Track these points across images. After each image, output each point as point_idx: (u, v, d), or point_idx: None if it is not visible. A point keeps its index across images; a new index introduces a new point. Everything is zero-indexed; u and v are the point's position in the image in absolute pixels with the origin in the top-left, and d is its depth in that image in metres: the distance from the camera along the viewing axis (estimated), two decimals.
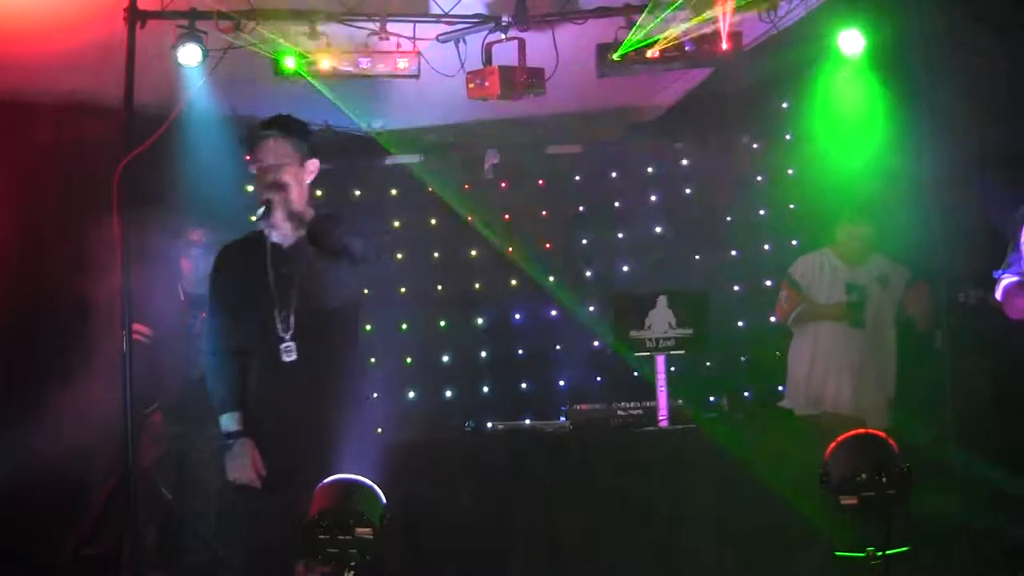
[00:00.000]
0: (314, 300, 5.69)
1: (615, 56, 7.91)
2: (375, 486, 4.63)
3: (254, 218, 5.65)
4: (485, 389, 10.56)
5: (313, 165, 5.90)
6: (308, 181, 5.91)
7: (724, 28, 7.80)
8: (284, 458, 5.67)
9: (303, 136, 5.91)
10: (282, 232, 5.66)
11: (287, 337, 5.67)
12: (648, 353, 7.55)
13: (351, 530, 4.36)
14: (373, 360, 10.44)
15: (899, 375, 8.36)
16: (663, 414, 7.39)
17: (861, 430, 4.91)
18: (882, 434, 4.85)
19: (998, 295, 5.43)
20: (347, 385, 5.82)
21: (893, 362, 8.40)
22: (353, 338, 5.96)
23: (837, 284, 8.50)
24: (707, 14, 7.72)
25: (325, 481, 4.73)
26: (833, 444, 4.86)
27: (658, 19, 7.73)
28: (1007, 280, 5.40)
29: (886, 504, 4.58)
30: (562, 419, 7.67)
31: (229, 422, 5.78)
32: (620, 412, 7.53)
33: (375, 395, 10.34)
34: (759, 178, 10.50)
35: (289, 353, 5.66)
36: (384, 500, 4.62)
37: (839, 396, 8.31)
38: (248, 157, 5.88)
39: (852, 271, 8.53)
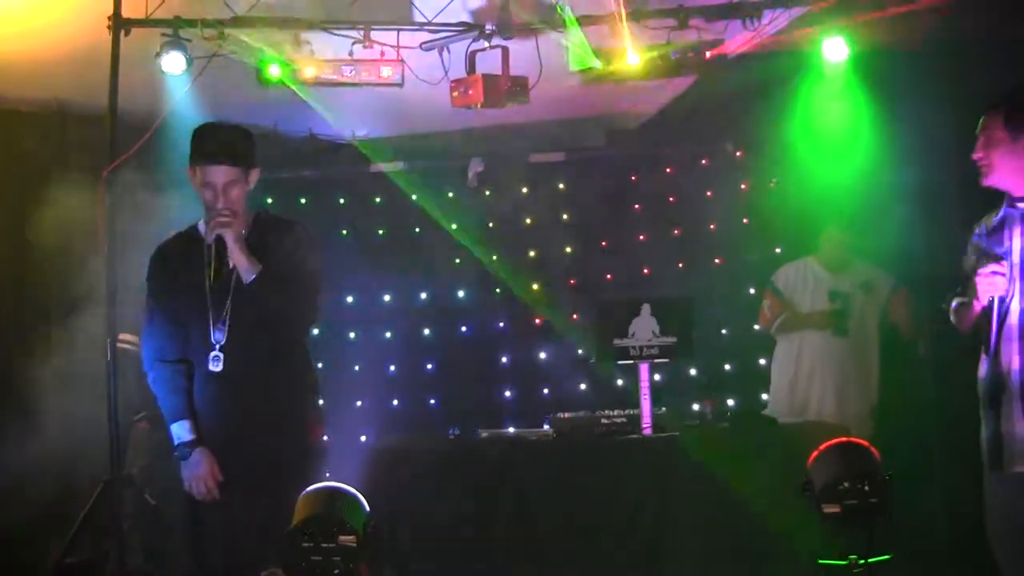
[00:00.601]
0: (251, 309, 5.59)
1: (598, 64, 7.93)
2: (358, 494, 4.62)
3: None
4: (469, 397, 10.56)
5: (256, 174, 5.78)
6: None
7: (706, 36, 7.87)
8: (224, 470, 5.62)
9: (251, 152, 5.78)
10: (241, 268, 5.54)
11: (216, 347, 5.56)
12: (632, 361, 7.54)
13: (335, 538, 4.35)
14: (357, 368, 10.48)
15: (883, 383, 8.38)
16: (647, 422, 7.38)
17: (843, 438, 4.92)
18: (864, 443, 4.87)
19: (951, 317, 5.48)
20: (282, 395, 5.68)
21: (876, 369, 8.42)
22: (291, 350, 5.81)
23: (820, 292, 8.53)
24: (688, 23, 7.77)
25: (309, 489, 4.72)
26: (815, 452, 4.87)
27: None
28: (955, 302, 5.46)
29: (868, 512, 4.60)
30: (546, 427, 7.66)
31: (181, 431, 5.67)
32: (604, 420, 7.52)
33: (360, 403, 10.38)
34: (742, 186, 10.51)
35: (216, 363, 5.56)
36: (367, 508, 4.62)
37: (823, 404, 8.33)
38: (191, 170, 5.73)
39: (835, 278, 8.55)
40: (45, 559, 7.40)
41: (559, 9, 7.70)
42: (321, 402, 6.15)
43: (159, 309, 5.72)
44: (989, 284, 5.13)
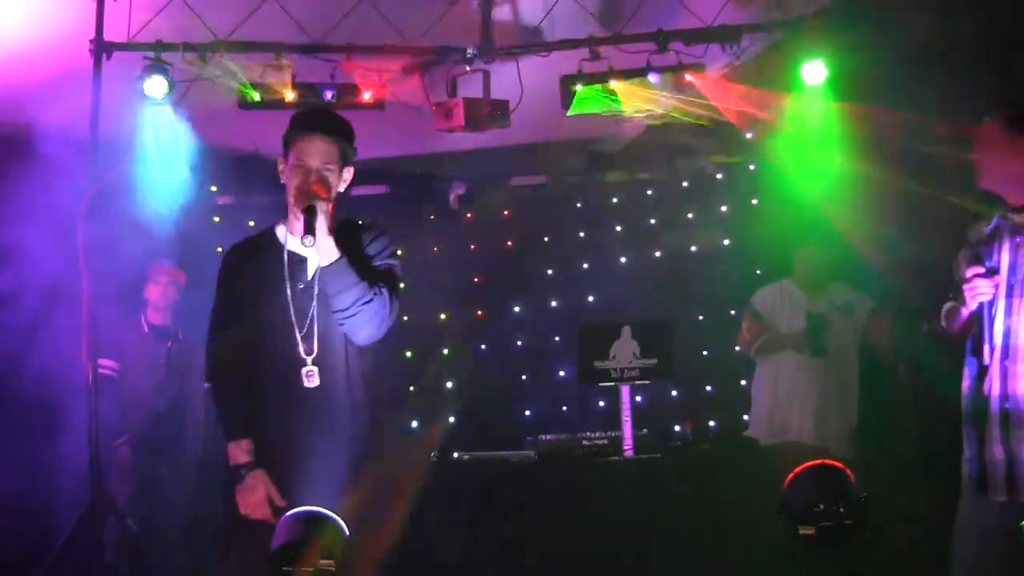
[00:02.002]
0: (332, 325, 5.11)
1: (579, 87, 7.99)
2: (338, 518, 4.60)
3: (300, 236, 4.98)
4: (451, 419, 10.56)
5: (349, 173, 5.29)
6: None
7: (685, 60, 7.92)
8: (300, 493, 5.01)
9: (350, 138, 5.27)
10: (322, 249, 4.99)
11: (309, 361, 5.09)
12: (613, 383, 7.55)
13: (314, 563, 4.33)
14: None
15: (863, 405, 8.40)
16: (628, 444, 7.40)
17: (819, 461, 4.93)
18: (840, 464, 4.88)
19: (943, 321, 5.44)
20: (367, 417, 5.25)
21: (855, 391, 8.44)
22: (372, 365, 5.37)
23: (798, 313, 8.56)
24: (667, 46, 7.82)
25: (288, 513, 4.69)
26: (791, 475, 4.88)
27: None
28: (947, 305, 5.41)
29: (844, 534, 4.60)
30: (527, 449, 7.66)
31: (238, 451, 5.12)
32: (585, 442, 7.53)
33: None
34: (723, 208, 10.54)
35: (311, 378, 5.09)
36: (347, 532, 4.61)
37: (802, 425, 8.36)
38: (282, 158, 5.21)
39: (812, 300, 8.59)
40: None
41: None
42: None
43: (232, 316, 5.21)
44: (971, 291, 5.04)
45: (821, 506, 4.64)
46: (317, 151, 5.09)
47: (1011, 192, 5.13)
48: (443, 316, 10.80)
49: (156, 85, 7.75)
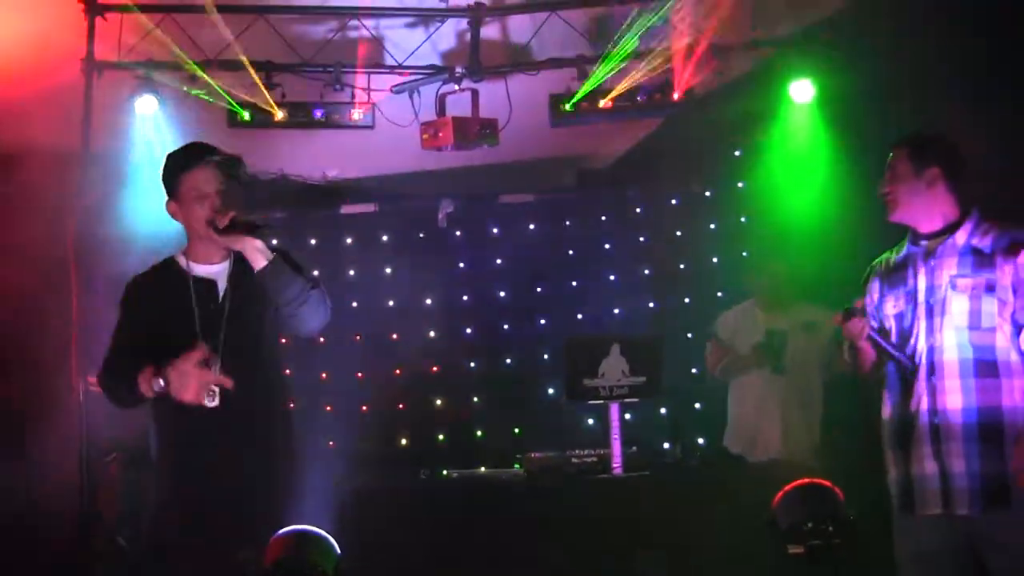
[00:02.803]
0: (243, 342, 5.21)
1: (567, 106, 8.03)
2: (328, 536, 4.62)
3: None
4: (440, 437, 10.58)
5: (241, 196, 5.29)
6: None
7: (676, 78, 7.96)
8: (213, 510, 5.12)
9: (239, 165, 5.31)
10: (254, 253, 5.07)
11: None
12: (602, 401, 7.57)
13: None
14: (329, 408, 10.48)
15: (829, 420, 8.44)
16: (617, 462, 7.40)
17: (807, 480, 4.95)
18: (828, 484, 4.91)
19: (846, 356, 5.52)
20: (275, 431, 5.30)
21: (819, 407, 8.46)
22: (280, 381, 5.46)
23: (759, 332, 8.61)
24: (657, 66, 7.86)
25: (279, 532, 4.70)
26: (780, 493, 4.90)
27: (607, 70, 7.83)
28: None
29: (832, 553, 4.62)
30: (516, 467, 7.68)
31: (146, 378, 4.96)
32: (574, 460, 7.54)
33: (331, 443, 10.38)
34: (712, 226, 10.58)
35: (211, 399, 5.07)
36: (338, 550, 4.63)
37: (768, 443, 8.37)
38: (172, 202, 5.22)
39: (774, 318, 8.65)
40: None
41: None
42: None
43: (128, 343, 5.20)
44: (849, 335, 5.20)
45: (810, 524, 4.66)
46: (211, 177, 5.17)
47: (921, 221, 5.25)
48: (432, 334, 10.81)
49: (146, 103, 7.77)
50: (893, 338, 5.25)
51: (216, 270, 5.24)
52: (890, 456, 5.26)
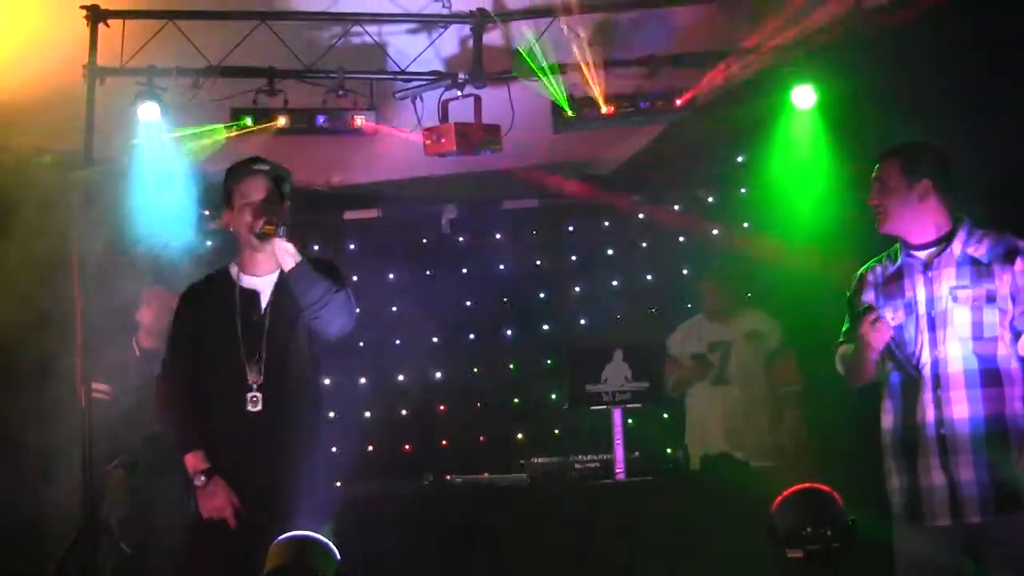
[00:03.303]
0: (284, 350, 5.52)
1: (570, 112, 8.03)
2: (329, 542, 4.62)
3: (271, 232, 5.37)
4: (443, 442, 10.58)
5: (289, 208, 5.70)
6: None
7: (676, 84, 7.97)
8: (248, 513, 5.45)
9: (287, 178, 5.74)
10: (284, 254, 5.40)
11: (254, 387, 5.45)
12: (604, 407, 7.57)
13: None
14: (333, 414, 10.48)
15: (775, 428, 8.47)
16: (620, 467, 7.41)
17: (807, 484, 4.95)
18: (827, 488, 4.91)
19: (840, 368, 5.52)
20: (311, 440, 5.57)
21: (764, 416, 8.47)
22: (317, 392, 5.73)
23: (703, 345, 8.66)
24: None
25: (280, 538, 4.72)
26: (779, 498, 4.91)
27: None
28: (842, 350, 5.50)
29: (831, 557, 4.63)
30: (520, 472, 7.68)
31: (196, 460, 5.48)
32: (577, 465, 7.55)
33: (333, 448, 10.39)
34: (715, 231, 10.57)
35: (255, 403, 5.45)
36: (338, 556, 4.63)
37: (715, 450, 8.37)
38: (232, 193, 5.59)
39: (718, 329, 8.72)
40: None
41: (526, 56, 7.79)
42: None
43: (184, 350, 5.63)
44: (877, 333, 5.17)
45: (809, 529, 4.66)
46: (259, 186, 5.54)
47: (912, 232, 5.28)
48: (435, 340, 10.81)
49: (149, 110, 7.78)
50: (893, 349, 5.22)
51: (262, 281, 5.59)
52: (892, 465, 5.29)
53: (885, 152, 5.42)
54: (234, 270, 5.65)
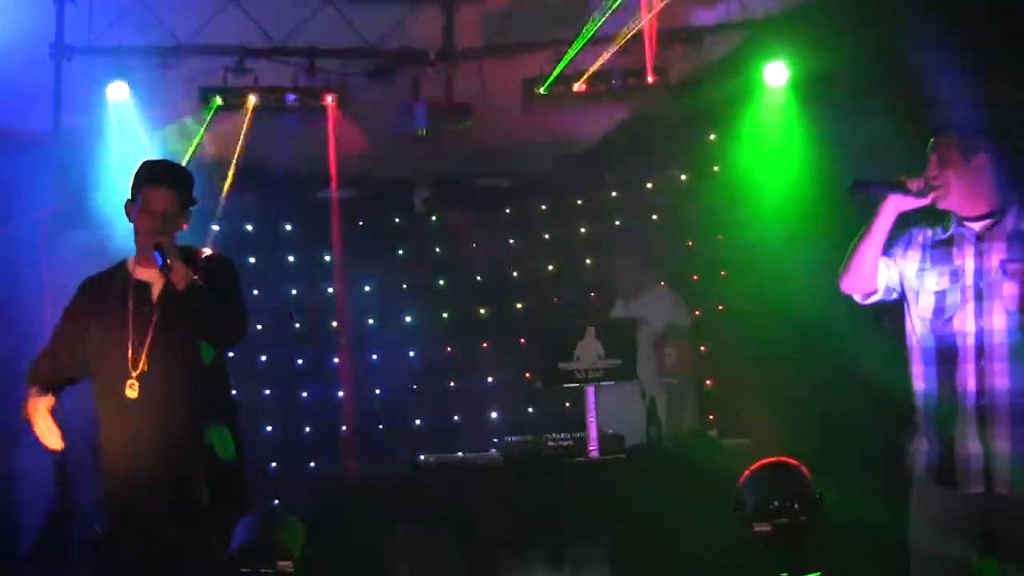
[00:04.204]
0: (170, 340, 5.68)
1: (541, 90, 8.01)
2: (295, 519, 4.61)
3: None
4: (417, 422, 10.56)
5: (189, 216, 5.82)
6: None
7: (649, 61, 7.94)
8: (138, 493, 5.64)
9: (191, 187, 5.82)
10: (179, 275, 5.54)
11: (134, 375, 5.61)
12: (577, 384, 7.57)
13: (273, 563, 4.34)
14: (305, 394, 10.47)
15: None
16: (593, 445, 7.40)
17: (774, 458, 4.95)
18: (794, 462, 4.90)
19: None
20: (192, 428, 5.70)
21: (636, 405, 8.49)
22: (208, 374, 5.85)
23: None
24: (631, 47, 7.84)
25: (247, 515, 4.71)
26: (746, 472, 4.91)
27: (581, 51, 7.81)
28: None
29: (799, 531, 4.63)
30: (494, 451, 7.68)
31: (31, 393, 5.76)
32: (551, 443, 7.54)
33: (307, 429, 10.38)
34: (688, 210, 10.56)
35: (132, 389, 5.61)
36: (304, 532, 4.62)
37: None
38: (130, 200, 5.74)
39: (624, 306, 8.74)
40: None
41: None
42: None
43: (64, 337, 5.84)
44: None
45: (776, 503, 4.66)
46: (161, 197, 5.65)
47: (964, 207, 5.25)
48: (408, 319, 10.79)
49: (117, 89, 7.74)
50: (929, 314, 5.26)
51: (154, 274, 5.67)
52: (924, 431, 5.29)
53: (940, 127, 5.38)
54: (131, 262, 5.83)
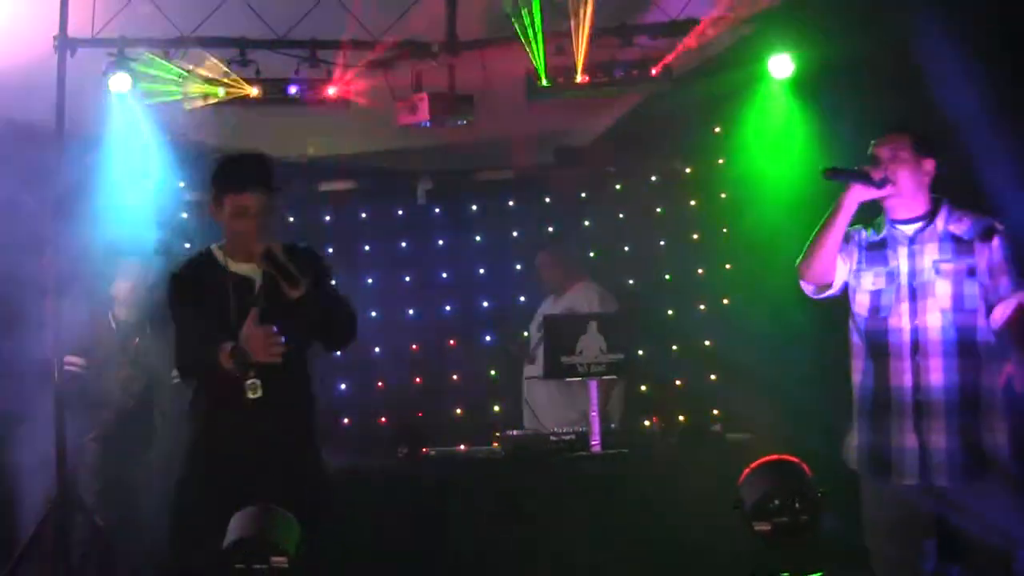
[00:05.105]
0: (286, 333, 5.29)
1: (544, 82, 7.98)
2: (291, 514, 4.58)
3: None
4: (419, 414, 10.55)
5: (279, 198, 5.53)
6: None
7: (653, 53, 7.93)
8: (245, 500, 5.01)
9: (274, 176, 5.51)
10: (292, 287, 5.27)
11: (251, 374, 5.28)
12: (580, 378, 7.55)
13: (267, 560, 4.31)
14: None
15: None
16: (595, 439, 7.40)
17: (775, 456, 4.93)
18: (795, 459, 4.89)
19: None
20: (311, 426, 5.54)
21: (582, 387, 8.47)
22: (311, 375, 5.62)
23: (537, 322, 8.70)
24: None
25: (243, 510, 4.67)
26: (747, 470, 4.90)
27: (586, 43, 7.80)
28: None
29: (799, 530, 4.62)
30: (494, 444, 7.68)
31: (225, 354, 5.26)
32: (552, 438, 7.54)
33: None
34: (692, 202, 10.54)
35: (255, 391, 5.31)
36: (300, 528, 4.59)
37: (540, 424, 8.35)
38: (215, 200, 5.44)
39: (552, 304, 8.76)
40: None
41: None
42: None
43: (190, 335, 5.44)
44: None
45: (776, 501, 4.65)
46: (255, 200, 5.38)
47: (901, 207, 5.44)
48: (410, 311, 10.78)
49: (120, 81, 7.73)
50: (865, 312, 5.48)
51: (252, 268, 5.39)
52: (859, 424, 5.53)
53: (895, 125, 5.55)
54: (219, 255, 5.51)
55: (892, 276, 5.41)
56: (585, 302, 8.73)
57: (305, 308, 5.31)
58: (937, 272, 5.35)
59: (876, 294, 5.45)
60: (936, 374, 5.31)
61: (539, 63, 7.95)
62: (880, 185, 5.32)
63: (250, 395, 5.30)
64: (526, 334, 9.19)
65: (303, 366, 5.52)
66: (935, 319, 5.33)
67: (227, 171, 5.46)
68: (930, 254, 5.37)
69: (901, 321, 5.37)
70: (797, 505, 4.61)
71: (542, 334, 8.39)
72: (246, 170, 5.46)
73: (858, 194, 5.34)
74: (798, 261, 5.59)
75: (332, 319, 5.49)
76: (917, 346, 5.34)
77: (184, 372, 5.63)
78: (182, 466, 5.44)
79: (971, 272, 5.33)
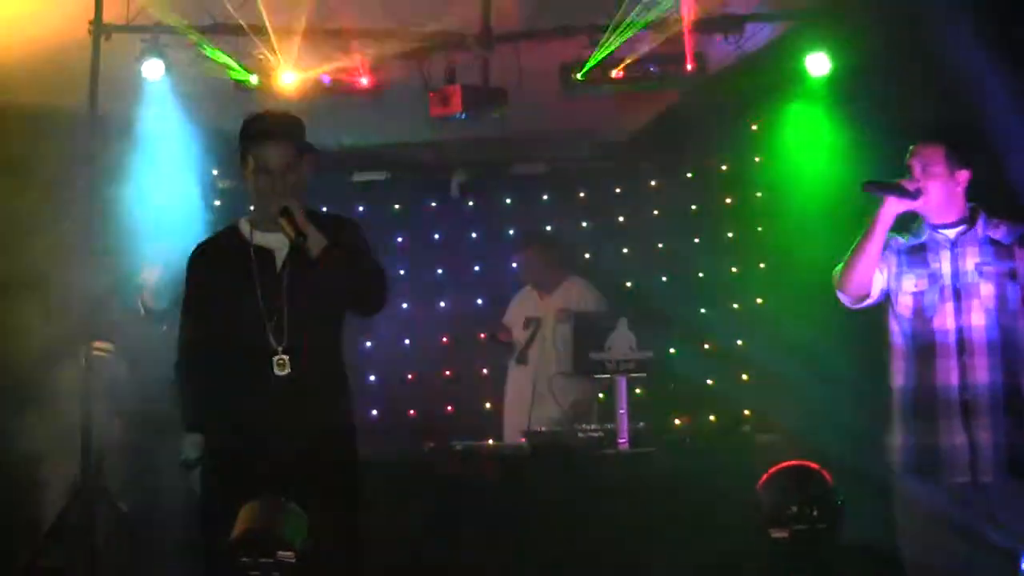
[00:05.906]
0: (305, 311, 5.17)
1: (578, 76, 7.95)
2: (298, 508, 4.54)
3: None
4: (448, 408, 10.53)
5: (313, 162, 5.33)
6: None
7: (688, 48, 7.87)
8: (274, 479, 5.00)
9: (304, 133, 5.33)
10: (311, 241, 5.05)
11: (280, 350, 5.13)
12: (609, 375, 7.51)
13: (273, 553, 4.28)
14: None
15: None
16: (623, 437, 7.36)
17: (794, 462, 4.89)
18: (815, 466, 4.85)
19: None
20: (342, 406, 5.31)
21: (571, 389, 8.43)
22: (341, 349, 5.37)
23: (521, 319, 8.66)
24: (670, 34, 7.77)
25: (250, 502, 4.63)
26: (765, 475, 4.86)
27: (622, 38, 7.75)
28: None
29: (817, 537, 4.58)
30: (522, 440, 7.64)
31: (191, 446, 5.23)
32: (580, 434, 7.52)
33: None
34: (727, 200, 10.48)
35: (283, 367, 5.14)
36: (307, 522, 4.54)
37: (516, 429, 8.30)
38: (243, 162, 5.27)
39: (538, 303, 8.73)
40: (14, 563, 7.35)
41: None
42: None
43: (199, 313, 5.29)
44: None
45: (794, 508, 4.61)
46: (275, 153, 5.18)
47: (936, 215, 5.50)
48: (442, 304, 10.76)
49: (153, 68, 7.73)
50: (909, 313, 5.52)
51: (276, 238, 5.19)
52: (904, 425, 5.55)
53: (929, 134, 5.56)
54: (245, 227, 5.33)
55: (935, 278, 5.47)
56: (578, 300, 8.66)
57: (331, 270, 5.08)
58: (980, 274, 5.43)
59: (919, 295, 5.50)
60: (982, 372, 5.39)
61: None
62: (914, 197, 5.38)
63: (277, 371, 5.15)
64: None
65: (335, 344, 5.32)
66: (979, 319, 5.41)
67: (250, 126, 5.31)
68: (972, 257, 5.45)
69: (947, 321, 5.44)
70: (815, 513, 4.58)
71: (531, 332, 8.39)
72: (268, 124, 5.29)
73: (894, 206, 5.39)
74: (835, 272, 5.63)
75: (359, 277, 5.18)
76: (963, 345, 5.42)
77: (177, 375, 5.38)
78: (208, 448, 5.27)
79: (1012, 276, 5.41)
